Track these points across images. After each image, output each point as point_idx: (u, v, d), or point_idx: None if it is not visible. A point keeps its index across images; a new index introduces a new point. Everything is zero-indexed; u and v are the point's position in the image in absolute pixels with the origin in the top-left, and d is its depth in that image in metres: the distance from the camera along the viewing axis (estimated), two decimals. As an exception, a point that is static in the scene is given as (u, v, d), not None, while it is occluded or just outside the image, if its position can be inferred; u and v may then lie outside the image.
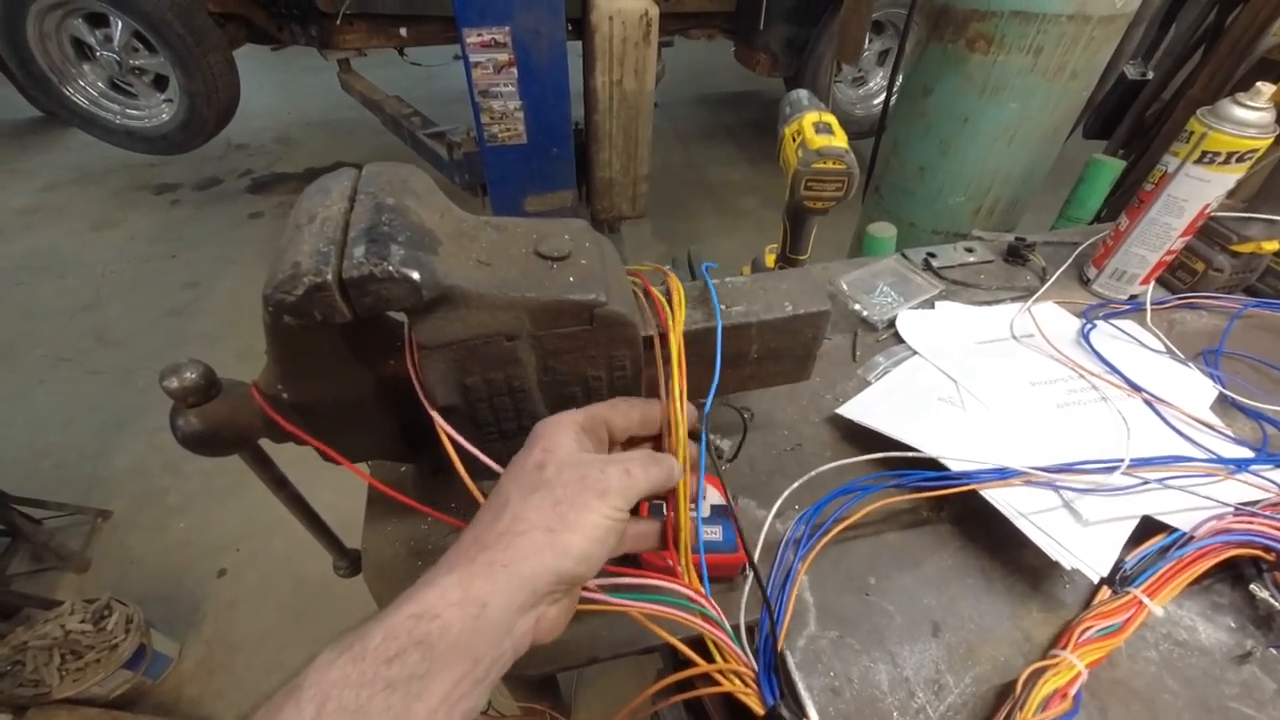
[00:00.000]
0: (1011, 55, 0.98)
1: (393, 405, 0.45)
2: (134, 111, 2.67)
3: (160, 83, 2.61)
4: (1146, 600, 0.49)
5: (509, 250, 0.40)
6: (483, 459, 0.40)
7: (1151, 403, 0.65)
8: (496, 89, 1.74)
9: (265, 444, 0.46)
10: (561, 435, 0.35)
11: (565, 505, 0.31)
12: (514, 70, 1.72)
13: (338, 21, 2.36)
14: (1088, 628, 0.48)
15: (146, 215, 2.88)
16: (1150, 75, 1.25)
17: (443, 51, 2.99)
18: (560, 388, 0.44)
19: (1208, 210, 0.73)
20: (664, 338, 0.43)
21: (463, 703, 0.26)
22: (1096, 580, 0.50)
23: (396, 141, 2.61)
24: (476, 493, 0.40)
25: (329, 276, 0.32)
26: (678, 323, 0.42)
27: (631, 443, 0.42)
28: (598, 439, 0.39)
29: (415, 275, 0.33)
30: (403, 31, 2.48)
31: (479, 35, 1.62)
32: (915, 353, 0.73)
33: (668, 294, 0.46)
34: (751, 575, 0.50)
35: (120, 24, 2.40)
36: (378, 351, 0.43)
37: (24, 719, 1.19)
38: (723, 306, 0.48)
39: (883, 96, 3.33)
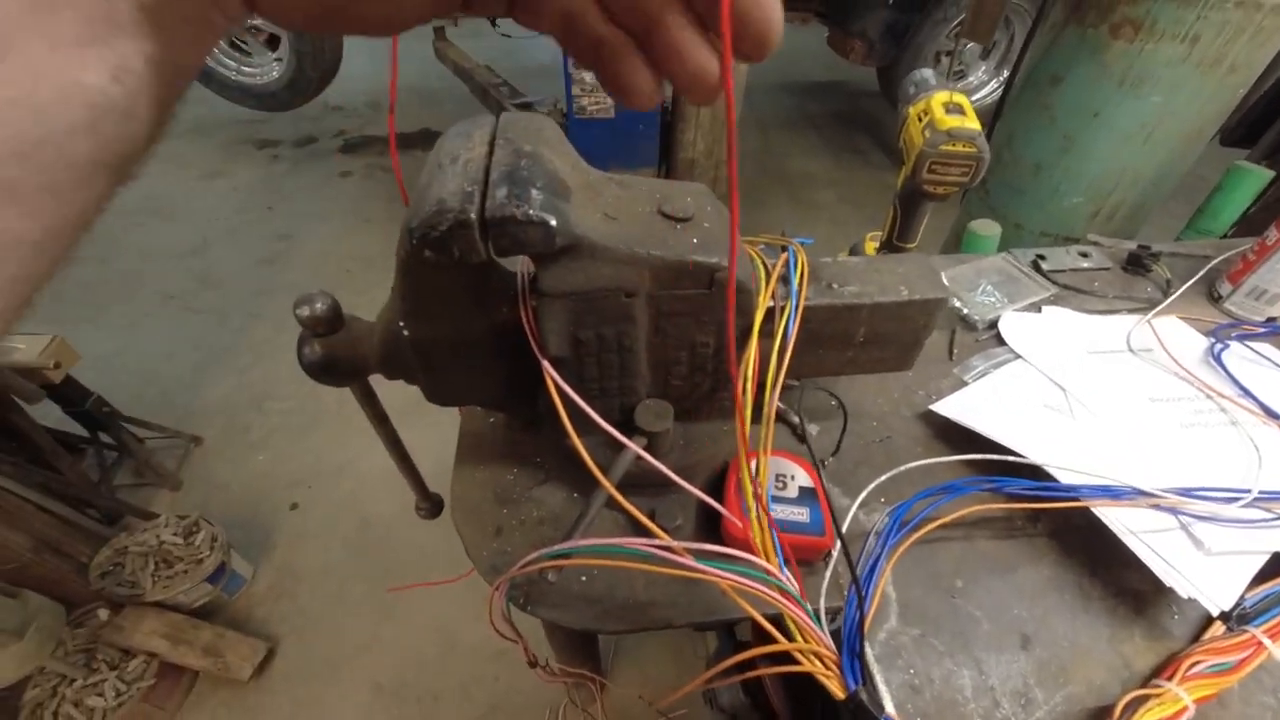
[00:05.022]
0: (1162, 43, 0.89)
1: (502, 354, 0.46)
2: (248, 69, 2.85)
3: (273, 42, 2.77)
4: (1267, 641, 0.45)
5: (633, 207, 0.40)
6: (587, 410, 0.40)
7: (1290, 433, 0.59)
8: (590, 61, 1.75)
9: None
10: None
11: None
12: (608, 43, 1.71)
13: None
14: (1197, 661, 0.45)
15: (248, 168, 3.07)
16: (1311, 79, 1.12)
17: (532, 24, 3.01)
18: (667, 351, 0.44)
19: (1379, 229, 0.65)
20: (777, 309, 0.43)
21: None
22: (1216, 613, 0.46)
23: (483, 111, 2.67)
24: (578, 442, 0.40)
25: (473, 215, 0.33)
26: (803, 293, 0.41)
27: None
28: None
29: (552, 221, 0.34)
30: None
31: (577, 6, 1.62)
32: (1018, 356, 0.69)
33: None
34: (834, 560, 0.49)
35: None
36: (494, 299, 0.44)
37: (120, 615, 1.31)
38: (835, 285, 0.47)
39: (983, 92, 3.14)
